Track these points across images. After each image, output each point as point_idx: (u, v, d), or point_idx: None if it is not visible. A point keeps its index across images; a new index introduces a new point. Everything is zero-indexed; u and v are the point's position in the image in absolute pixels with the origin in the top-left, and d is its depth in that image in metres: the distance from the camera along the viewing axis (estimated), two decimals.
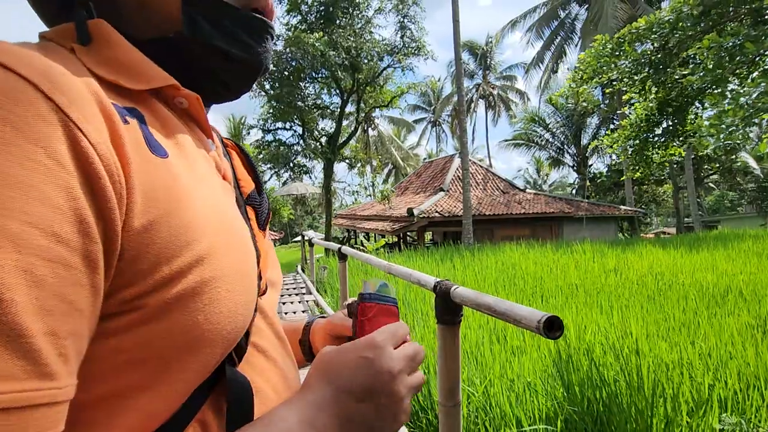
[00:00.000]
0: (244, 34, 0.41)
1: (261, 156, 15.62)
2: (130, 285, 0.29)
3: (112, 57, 0.35)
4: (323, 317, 0.62)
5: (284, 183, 24.24)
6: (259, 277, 0.42)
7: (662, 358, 2.72)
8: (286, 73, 13.63)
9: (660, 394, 2.18)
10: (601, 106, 21.53)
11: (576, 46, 22.28)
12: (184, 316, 0.30)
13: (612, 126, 20.42)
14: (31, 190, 0.24)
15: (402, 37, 14.16)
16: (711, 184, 28.26)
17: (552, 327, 0.77)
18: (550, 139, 26.04)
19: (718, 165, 21.88)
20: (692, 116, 4.84)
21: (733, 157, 19.78)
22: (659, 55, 4.24)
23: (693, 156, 17.98)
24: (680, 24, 3.77)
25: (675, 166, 19.72)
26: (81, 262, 0.25)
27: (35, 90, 0.26)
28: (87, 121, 0.27)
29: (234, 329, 0.34)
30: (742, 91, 3.25)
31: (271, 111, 14.60)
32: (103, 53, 0.35)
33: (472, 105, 34.40)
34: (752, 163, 20.26)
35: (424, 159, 33.41)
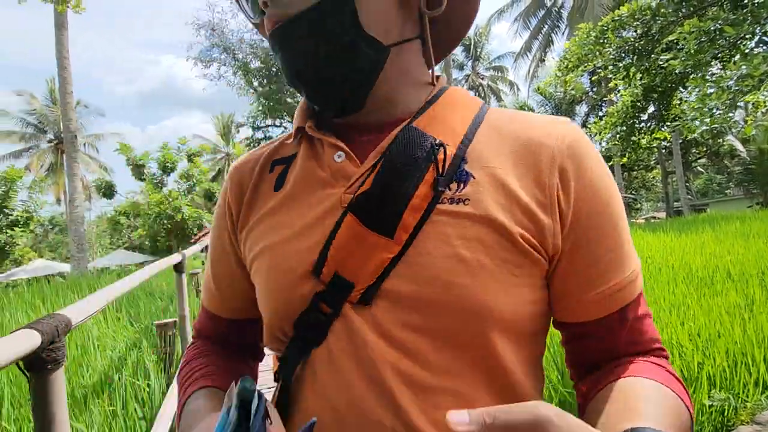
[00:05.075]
0: (278, 55, 0.49)
1: None
2: (246, 257, 0.52)
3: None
4: None
5: None
6: (336, 279, 0.42)
7: None
8: (274, 69, 13.52)
9: None
10: (589, 93, 21.66)
11: (563, 34, 22.31)
12: (256, 282, 0.50)
13: (601, 113, 20.56)
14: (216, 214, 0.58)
15: None
16: (699, 168, 28.64)
17: None
18: None
19: (705, 149, 22.15)
20: (677, 101, 4.91)
21: (720, 140, 20.02)
22: (642, 42, 4.29)
23: (681, 141, 18.17)
24: (662, 10, 3.82)
25: (664, 151, 19.94)
26: (228, 247, 0.56)
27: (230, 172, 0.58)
28: (232, 181, 0.56)
29: (268, 310, 0.47)
30: (725, 75, 3.32)
31: (260, 108, 14.51)
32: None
33: None
34: (738, 146, 20.54)
35: None
